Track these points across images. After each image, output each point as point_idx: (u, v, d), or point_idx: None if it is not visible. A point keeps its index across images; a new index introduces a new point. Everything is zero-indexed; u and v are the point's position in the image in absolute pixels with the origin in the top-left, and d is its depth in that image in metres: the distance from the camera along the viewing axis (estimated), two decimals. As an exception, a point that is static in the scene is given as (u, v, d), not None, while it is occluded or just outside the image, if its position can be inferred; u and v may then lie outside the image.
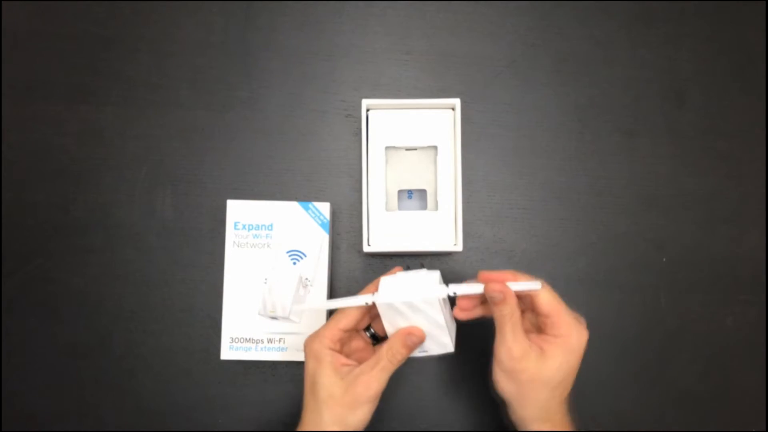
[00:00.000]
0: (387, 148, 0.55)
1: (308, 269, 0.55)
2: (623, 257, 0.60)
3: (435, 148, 0.56)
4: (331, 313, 0.55)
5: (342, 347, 0.49)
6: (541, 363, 0.45)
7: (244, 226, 0.56)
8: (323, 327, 0.48)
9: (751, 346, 0.60)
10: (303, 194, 0.60)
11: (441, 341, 0.48)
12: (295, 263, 0.55)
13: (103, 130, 0.60)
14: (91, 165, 0.60)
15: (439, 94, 0.61)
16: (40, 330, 0.59)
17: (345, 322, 0.48)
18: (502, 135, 0.61)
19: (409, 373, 0.59)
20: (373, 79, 0.61)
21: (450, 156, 0.55)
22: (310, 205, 0.56)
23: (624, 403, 0.59)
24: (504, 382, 0.46)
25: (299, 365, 0.58)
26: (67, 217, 0.59)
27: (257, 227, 0.56)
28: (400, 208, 0.57)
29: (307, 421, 0.46)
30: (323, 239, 0.56)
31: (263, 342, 0.55)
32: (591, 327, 0.59)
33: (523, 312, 0.48)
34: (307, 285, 0.55)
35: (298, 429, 0.47)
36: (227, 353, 0.55)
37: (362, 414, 0.46)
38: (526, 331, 0.47)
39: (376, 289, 0.47)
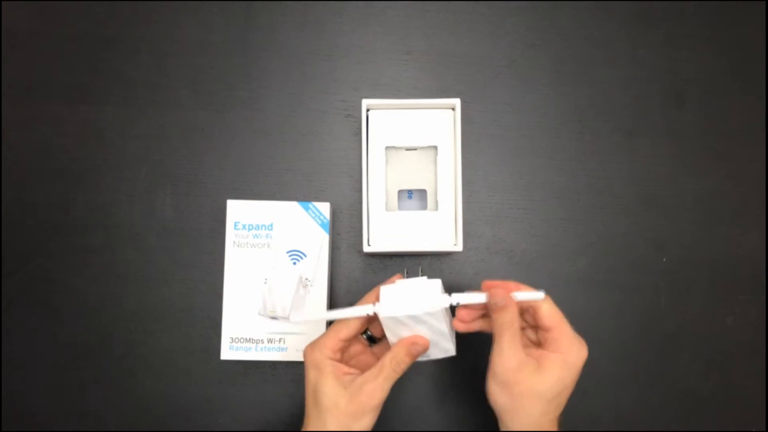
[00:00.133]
0: (387, 148, 0.55)
1: (308, 269, 0.55)
2: (623, 257, 0.60)
3: (435, 148, 0.56)
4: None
5: (342, 355, 0.49)
6: (537, 377, 0.44)
7: (244, 226, 0.56)
8: (324, 337, 0.48)
9: (751, 346, 0.60)
10: (303, 194, 0.60)
11: (443, 347, 0.48)
12: (295, 263, 0.55)
13: (103, 130, 0.60)
14: (91, 165, 0.60)
15: (439, 94, 0.61)
16: (40, 330, 0.59)
17: (346, 332, 0.48)
18: (502, 135, 0.61)
19: (409, 373, 0.58)
20: (373, 79, 0.61)
21: (450, 156, 0.55)
22: (310, 205, 0.56)
23: (624, 403, 0.59)
24: (498, 394, 0.45)
25: (299, 365, 0.58)
26: (67, 217, 0.59)
27: (257, 227, 0.56)
28: (400, 208, 0.57)
29: (311, 428, 0.46)
30: (323, 239, 0.56)
31: (263, 342, 0.55)
32: (591, 327, 0.60)
33: (523, 329, 0.48)
34: (307, 285, 0.55)
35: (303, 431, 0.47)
36: (227, 353, 0.55)
37: (366, 422, 0.46)
38: (525, 346, 0.46)
39: (377, 298, 0.47)
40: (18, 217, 0.60)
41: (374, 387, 0.45)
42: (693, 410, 0.59)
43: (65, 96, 0.60)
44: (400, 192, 0.57)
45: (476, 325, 0.48)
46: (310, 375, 0.47)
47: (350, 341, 0.49)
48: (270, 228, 0.56)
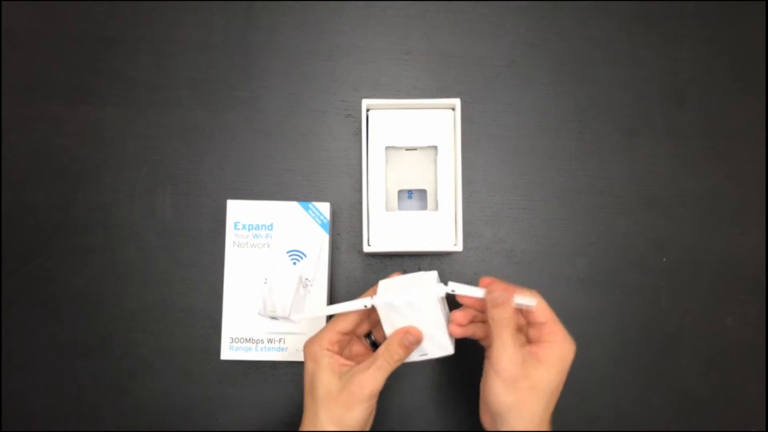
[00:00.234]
0: (387, 148, 0.55)
1: (308, 269, 0.55)
2: (623, 257, 0.60)
3: (435, 148, 0.56)
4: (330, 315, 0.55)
5: (341, 350, 0.49)
6: (540, 370, 0.44)
7: (244, 226, 0.56)
8: (322, 330, 0.49)
9: (751, 346, 0.60)
10: (303, 194, 0.60)
11: (440, 342, 0.48)
12: (295, 263, 0.55)
13: (103, 130, 0.60)
14: (91, 165, 0.60)
15: (439, 94, 0.61)
16: (40, 330, 0.59)
17: (343, 324, 0.48)
18: (502, 135, 0.61)
19: (409, 373, 0.59)
20: (373, 79, 0.61)
21: (450, 156, 0.55)
22: (310, 205, 0.56)
23: (624, 403, 0.59)
24: (503, 394, 0.44)
25: (299, 365, 0.58)
26: (67, 217, 0.59)
27: (257, 227, 0.56)
28: (400, 208, 0.57)
29: (306, 421, 0.47)
30: (323, 239, 0.56)
31: (263, 342, 0.55)
32: (591, 327, 0.60)
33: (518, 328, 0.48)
34: (307, 285, 0.55)
35: (299, 430, 0.47)
36: (227, 353, 0.55)
37: (359, 413, 0.45)
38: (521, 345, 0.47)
39: (375, 293, 0.47)
40: (18, 217, 0.60)
41: (366, 377, 0.45)
42: (693, 410, 0.59)
43: (65, 96, 0.60)
44: (400, 192, 0.57)
45: (472, 329, 0.48)
46: (308, 367, 0.48)
47: (350, 338, 0.50)
48: (270, 228, 0.56)
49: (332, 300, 0.59)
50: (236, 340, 0.55)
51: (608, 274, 0.60)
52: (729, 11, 0.62)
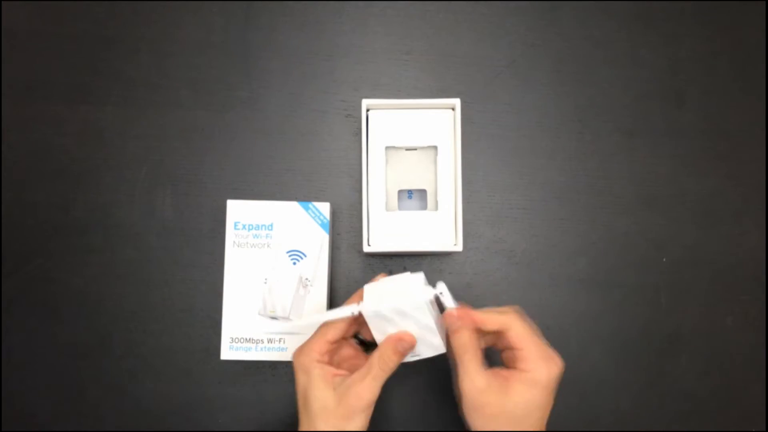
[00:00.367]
0: (387, 148, 0.55)
1: (308, 269, 0.55)
2: (623, 257, 0.60)
3: (435, 148, 0.56)
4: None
5: (331, 358, 0.48)
6: (504, 396, 0.43)
7: (244, 226, 0.56)
8: (310, 340, 0.48)
9: (751, 346, 0.60)
10: (303, 194, 0.60)
11: (432, 343, 0.48)
12: (295, 263, 0.55)
13: (103, 130, 0.60)
14: (91, 165, 0.60)
15: (439, 94, 0.61)
16: (40, 330, 0.59)
17: (332, 333, 0.47)
18: (502, 135, 0.61)
19: (408, 373, 0.59)
20: (373, 79, 0.61)
21: (450, 156, 0.55)
22: (310, 205, 0.56)
23: (624, 403, 0.59)
24: (470, 417, 0.45)
25: (299, 365, 0.58)
26: (67, 217, 0.59)
27: (257, 227, 0.56)
28: (400, 208, 0.57)
29: None
30: (323, 239, 0.56)
31: (263, 342, 0.55)
32: (591, 327, 0.60)
33: (502, 351, 0.48)
34: (307, 285, 0.55)
35: None
36: (227, 353, 0.55)
37: (358, 423, 0.45)
38: (496, 367, 0.46)
39: (361, 298, 0.47)
40: (18, 217, 0.60)
41: (362, 387, 0.45)
42: (693, 410, 0.59)
43: (65, 96, 0.60)
44: (400, 192, 0.57)
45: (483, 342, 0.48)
46: (300, 379, 0.47)
47: (339, 343, 0.49)
48: (270, 228, 0.56)
49: (332, 300, 0.59)
50: (236, 340, 0.55)
51: (608, 274, 0.60)
52: (729, 11, 0.62)
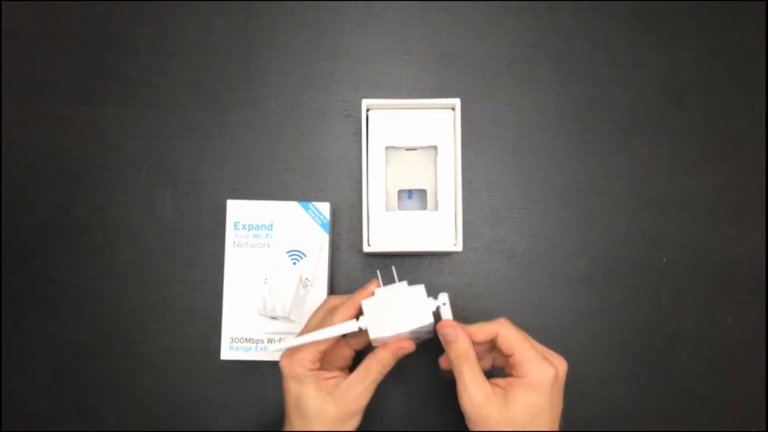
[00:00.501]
0: (387, 148, 0.55)
1: (308, 269, 0.55)
2: (623, 257, 0.60)
3: (435, 148, 0.56)
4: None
5: (321, 362, 0.48)
6: (504, 407, 0.43)
7: (244, 226, 0.56)
8: (302, 350, 0.46)
9: (751, 346, 0.60)
10: (303, 194, 0.60)
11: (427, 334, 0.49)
12: (295, 263, 0.55)
13: (103, 130, 0.60)
14: (91, 165, 0.60)
15: (439, 94, 0.61)
16: (40, 330, 0.59)
17: (325, 344, 0.47)
18: (502, 135, 0.61)
19: (409, 373, 0.59)
20: (373, 79, 0.61)
21: (450, 156, 0.55)
22: (310, 205, 0.56)
23: (624, 403, 0.59)
24: (475, 428, 0.44)
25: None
26: (67, 217, 0.59)
27: (257, 227, 0.56)
28: (400, 208, 0.57)
29: None
30: (323, 239, 0.56)
31: (263, 342, 0.55)
32: (591, 327, 0.60)
33: (504, 367, 0.48)
34: (307, 285, 0.55)
35: None
36: (227, 353, 0.55)
37: (353, 424, 0.46)
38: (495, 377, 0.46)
39: (357, 309, 0.46)
40: (18, 217, 0.60)
41: (361, 391, 0.45)
42: (693, 410, 0.59)
43: (65, 96, 0.60)
44: (400, 192, 0.57)
45: (489, 362, 0.49)
46: (291, 387, 0.46)
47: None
48: (270, 228, 0.56)
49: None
50: (236, 340, 0.55)
51: (608, 274, 0.60)
52: (729, 11, 0.62)
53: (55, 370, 0.59)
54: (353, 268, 0.60)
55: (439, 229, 0.55)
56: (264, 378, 0.59)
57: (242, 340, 0.55)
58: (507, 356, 0.45)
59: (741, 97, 0.61)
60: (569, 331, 0.59)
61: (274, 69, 0.61)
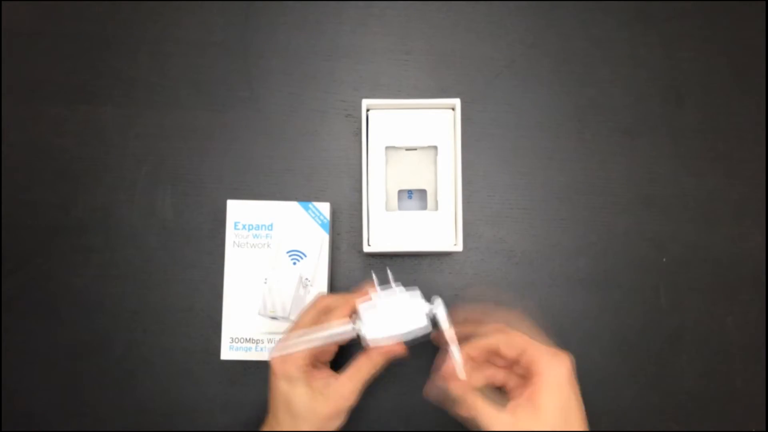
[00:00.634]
0: (387, 148, 0.55)
1: (308, 269, 0.55)
2: (623, 257, 0.60)
3: (435, 148, 0.56)
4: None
5: (312, 361, 0.48)
6: (534, 416, 0.41)
7: (244, 226, 0.56)
8: (296, 351, 0.46)
9: (751, 346, 0.60)
10: (303, 194, 0.60)
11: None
12: (295, 263, 0.55)
13: (103, 130, 0.60)
14: (91, 165, 0.60)
15: (439, 94, 0.61)
16: (40, 330, 0.59)
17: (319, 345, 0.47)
18: (502, 135, 0.61)
19: (409, 372, 0.59)
20: (373, 79, 0.61)
21: (450, 156, 0.55)
22: (310, 205, 0.56)
23: (624, 403, 0.59)
24: None
25: (299, 365, 0.58)
26: (67, 217, 0.59)
27: (257, 227, 0.56)
28: (400, 208, 0.57)
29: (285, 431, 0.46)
30: (323, 239, 0.56)
31: (263, 342, 0.55)
32: (591, 327, 0.60)
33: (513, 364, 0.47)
34: (307, 285, 0.55)
35: None
36: (227, 353, 0.55)
37: (341, 420, 0.47)
38: (514, 386, 0.46)
39: (352, 309, 0.47)
40: (18, 217, 0.60)
41: (351, 390, 0.46)
42: (693, 410, 0.59)
43: (65, 96, 0.60)
44: (400, 192, 0.57)
45: (488, 375, 0.48)
46: (281, 386, 0.46)
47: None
48: (270, 228, 0.56)
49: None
50: (236, 340, 0.55)
51: (608, 274, 0.60)
52: (729, 11, 0.62)
53: (55, 370, 0.59)
54: (353, 268, 0.60)
55: (439, 229, 0.55)
56: (264, 378, 0.58)
57: (242, 340, 0.55)
58: (516, 360, 0.44)
59: (741, 97, 0.61)
60: (569, 331, 0.59)
61: (274, 69, 0.61)
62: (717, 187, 0.61)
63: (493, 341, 0.45)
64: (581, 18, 0.62)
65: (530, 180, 0.60)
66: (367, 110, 0.55)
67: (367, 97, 0.60)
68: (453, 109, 0.55)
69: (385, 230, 0.55)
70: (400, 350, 0.47)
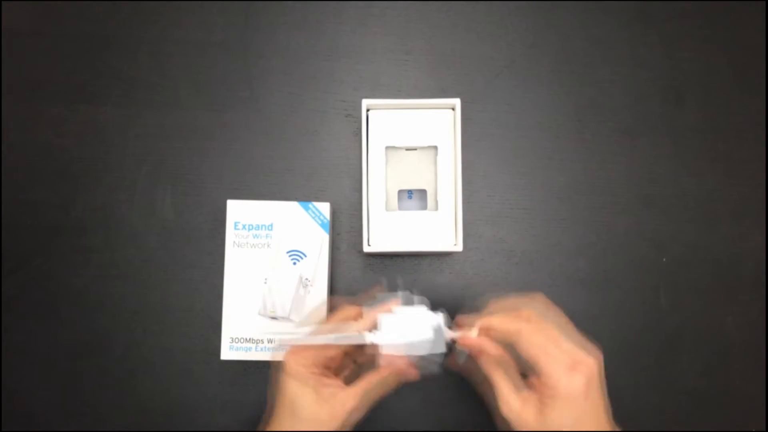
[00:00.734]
0: (387, 148, 0.55)
1: (308, 269, 0.55)
2: (623, 257, 0.60)
3: (435, 148, 0.56)
4: (332, 307, 0.55)
5: (324, 367, 0.47)
6: (542, 415, 0.40)
7: (244, 226, 0.55)
8: (311, 351, 0.46)
9: (751, 346, 0.60)
10: (303, 194, 0.60)
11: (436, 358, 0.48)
12: (295, 263, 0.55)
13: (103, 130, 0.60)
14: (91, 165, 0.60)
15: (439, 94, 0.61)
16: (40, 330, 0.59)
17: (334, 351, 0.47)
18: (502, 135, 0.61)
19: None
20: (373, 79, 0.61)
21: (450, 156, 0.55)
22: (310, 205, 0.56)
23: (624, 403, 0.59)
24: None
25: (299, 365, 0.58)
26: (67, 217, 0.59)
27: (257, 227, 0.56)
28: (400, 208, 0.57)
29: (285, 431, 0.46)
30: (323, 239, 0.56)
31: (263, 342, 0.55)
32: (591, 327, 0.59)
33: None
34: (307, 285, 0.55)
35: None
36: (227, 353, 0.55)
37: (342, 426, 0.46)
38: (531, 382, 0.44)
39: (373, 323, 0.46)
40: (18, 217, 0.60)
41: (355, 406, 0.45)
42: (693, 410, 0.59)
43: (65, 96, 0.60)
44: (400, 192, 0.57)
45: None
46: (290, 385, 0.45)
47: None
48: (270, 228, 0.56)
49: (332, 301, 0.59)
50: (236, 340, 0.55)
51: (608, 274, 0.60)
52: (729, 11, 0.62)
53: (55, 370, 0.59)
54: (353, 268, 0.60)
55: (439, 229, 0.55)
56: (264, 378, 0.59)
57: (242, 340, 0.55)
58: (531, 362, 0.43)
59: (741, 97, 0.61)
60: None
61: (274, 69, 0.61)
62: (717, 187, 0.61)
63: (515, 327, 0.43)
64: (581, 18, 0.62)
65: (530, 180, 0.60)
66: (367, 110, 0.55)
67: (367, 97, 0.60)
68: (453, 109, 0.55)
69: (385, 230, 0.55)
70: (412, 373, 0.47)
